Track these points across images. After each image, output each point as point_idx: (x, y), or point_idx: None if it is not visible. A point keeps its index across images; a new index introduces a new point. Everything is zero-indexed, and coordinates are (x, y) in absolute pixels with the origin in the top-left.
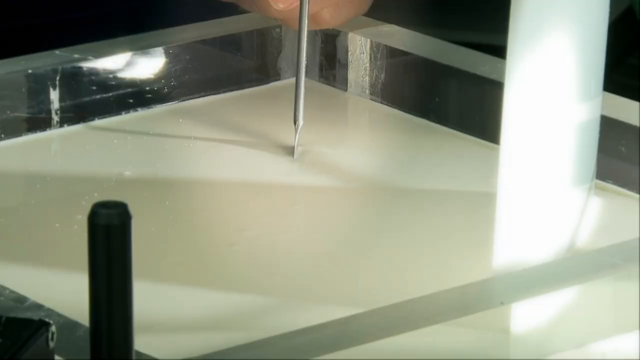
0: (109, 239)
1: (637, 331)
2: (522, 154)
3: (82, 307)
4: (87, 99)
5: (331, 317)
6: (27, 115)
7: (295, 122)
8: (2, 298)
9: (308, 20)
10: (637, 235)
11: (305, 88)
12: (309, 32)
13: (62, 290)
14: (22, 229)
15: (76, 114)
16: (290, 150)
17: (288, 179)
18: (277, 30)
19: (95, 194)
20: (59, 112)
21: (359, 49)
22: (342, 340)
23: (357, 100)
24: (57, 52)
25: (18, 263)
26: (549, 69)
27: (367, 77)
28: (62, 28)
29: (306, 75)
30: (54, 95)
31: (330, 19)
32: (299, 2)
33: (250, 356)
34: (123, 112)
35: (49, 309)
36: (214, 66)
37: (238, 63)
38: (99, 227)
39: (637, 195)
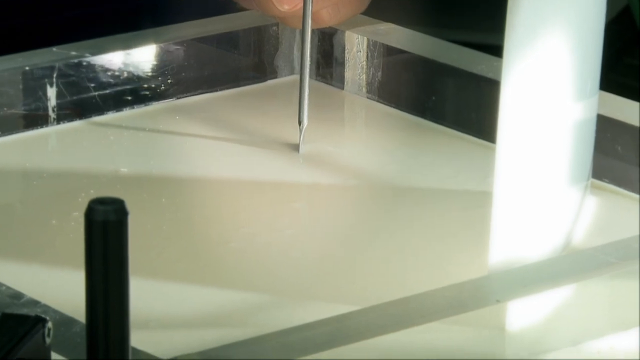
0: (106, 235)
1: (633, 329)
2: (518, 153)
3: (78, 304)
4: (84, 96)
5: (327, 315)
6: (24, 112)
7: (300, 122)
8: None
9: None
10: (633, 234)
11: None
12: None
13: (58, 286)
14: (19, 225)
15: (73, 110)
16: (288, 148)
17: (285, 177)
18: (274, 28)
19: (92, 191)
20: (56, 109)
21: (356, 47)
22: (338, 338)
23: (353, 99)
24: (54, 49)
25: (14, 259)
26: (546, 68)
27: (364, 75)
28: (60, 25)
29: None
30: (51, 92)
31: (329, 18)
32: (302, 3)
33: (247, 353)
34: (120, 109)
35: (45, 306)
36: (211, 64)
37: (235, 61)
38: (95, 224)
39: (633, 194)
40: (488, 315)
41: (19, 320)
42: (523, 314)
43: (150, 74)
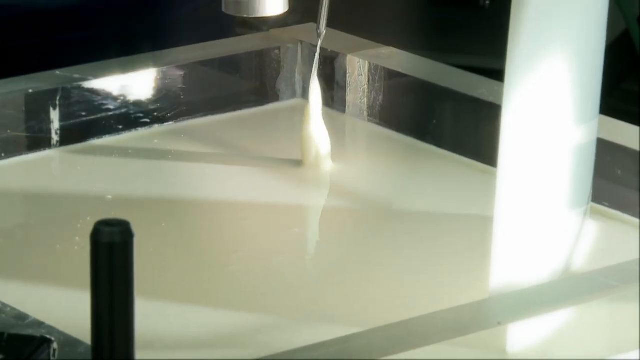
0: (112, 256)
1: (633, 352)
2: (519, 176)
3: (83, 325)
4: (86, 118)
5: (329, 337)
6: (28, 134)
7: (318, 33)
8: (3, 315)
9: None
10: (633, 257)
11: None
12: (309, 53)
13: (62, 308)
14: (23, 248)
15: (76, 133)
16: (289, 171)
17: (285, 200)
18: (276, 52)
19: (94, 215)
20: (59, 131)
21: (357, 71)
22: None
23: (355, 122)
24: (57, 72)
25: (19, 281)
26: (546, 92)
27: (365, 98)
28: (62, 49)
29: (303, 97)
30: (54, 114)
31: None
32: None
33: None
34: (122, 132)
35: (50, 327)
36: (212, 87)
37: (237, 84)
38: (101, 245)
39: (633, 218)
40: (489, 338)
41: (25, 340)
42: (524, 337)
43: (152, 97)
